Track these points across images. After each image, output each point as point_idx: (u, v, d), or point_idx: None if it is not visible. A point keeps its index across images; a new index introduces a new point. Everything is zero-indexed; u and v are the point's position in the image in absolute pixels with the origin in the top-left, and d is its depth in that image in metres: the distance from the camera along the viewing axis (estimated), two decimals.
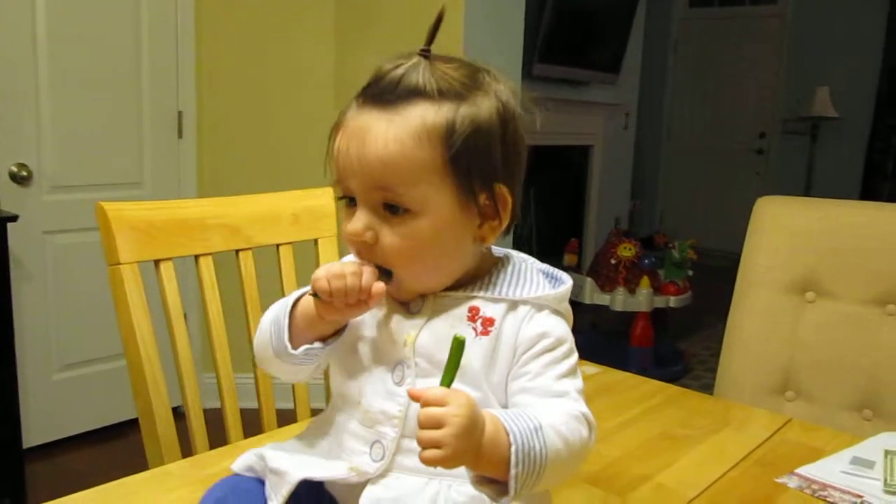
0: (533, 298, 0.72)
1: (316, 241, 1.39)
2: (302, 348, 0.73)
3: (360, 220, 0.69)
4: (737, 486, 0.93)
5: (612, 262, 3.55)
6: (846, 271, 1.47)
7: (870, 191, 5.63)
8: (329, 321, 0.73)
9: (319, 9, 2.88)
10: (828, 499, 0.91)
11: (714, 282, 4.82)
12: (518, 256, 0.78)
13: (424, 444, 0.59)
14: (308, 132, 2.95)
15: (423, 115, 0.67)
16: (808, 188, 5.94)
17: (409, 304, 0.74)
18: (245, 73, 2.86)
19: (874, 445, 1.06)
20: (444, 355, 0.68)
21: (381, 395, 0.73)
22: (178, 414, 1.16)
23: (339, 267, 0.69)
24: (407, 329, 0.73)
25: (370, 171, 0.68)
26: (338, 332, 0.75)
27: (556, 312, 0.73)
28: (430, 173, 0.68)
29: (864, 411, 1.44)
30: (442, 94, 0.68)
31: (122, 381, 2.63)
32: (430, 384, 0.69)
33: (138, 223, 1.14)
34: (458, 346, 0.61)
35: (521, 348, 0.71)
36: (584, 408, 0.69)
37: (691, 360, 3.96)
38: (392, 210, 0.69)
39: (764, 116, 6.43)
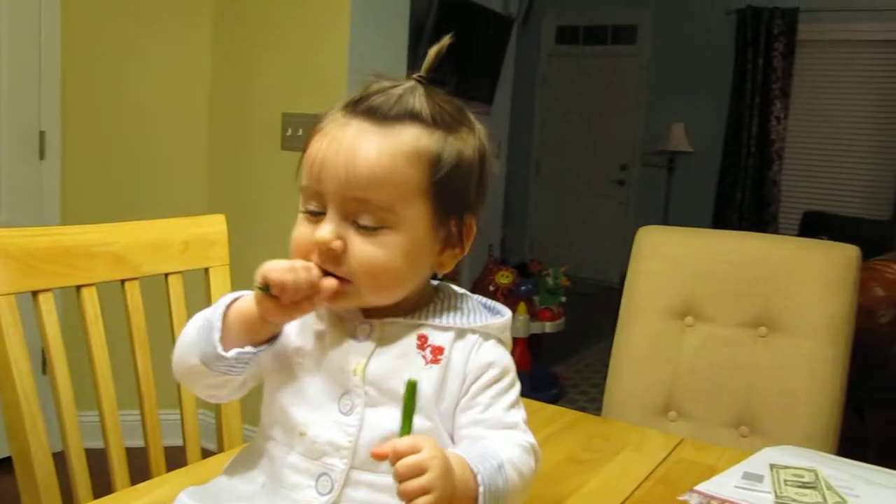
0: (480, 327, 0.73)
1: (206, 270, 1.34)
2: (234, 351, 0.70)
3: (329, 228, 0.68)
4: None
5: (491, 289, 3.61)
6: (721, 296, 1.57)
7: (720, 220, 6.04)
8: (269, 322, 0.70)
9: (195, 27, 2.79)
10: None
11: (582, 308, 5.01)
12: (455, 288, 0.78)
13: (413, 494, 0.59)
14: (182, 155, 2.84)
15: (417, 138, 0.69)
16: (665, 218, 6.29)
17: (356, 331, 0.73)
18: (114, 93, 2.72)
19: (760, 460, 1.12)
20: (394, 384, 0.68)
21: (328, 426, 0.71)
22: (56, 455, 1.07)
23: (287, 262, 0.68)
24: (356, 357, 0.71)
25: (356, 181, 0.67)
26: (271, 340, 0.73)
27: (500, 342, 0.75)
28: (412, 193, 0.69)
29: (741, 428, 1.52)
30: (435, 122, 0.69)
31: None
32: (380, 413, 0.69)
33: (15, 251, 1.06)
34: (411, 390, 0.62)
35: (470, 377, 0.71)
36: (531, 438, 0.72)
37: (565, 383, 4.08)
38: (366, 221, 0.68)
39: (625, 149, 6.78)
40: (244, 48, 2.75)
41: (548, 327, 3.76)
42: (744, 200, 5.98)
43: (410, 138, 0.68)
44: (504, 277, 3.66)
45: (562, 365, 4.46)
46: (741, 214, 5.95)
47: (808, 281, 1.50)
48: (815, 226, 5.15)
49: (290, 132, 2.60)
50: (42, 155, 2.58)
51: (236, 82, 2.77)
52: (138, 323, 1.22)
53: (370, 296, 0.71)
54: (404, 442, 0.60)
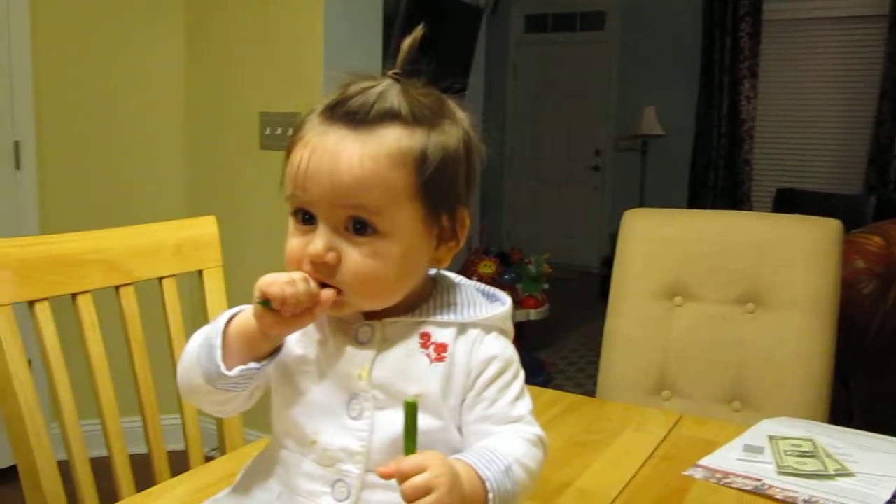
0: (481, 321, 0.73)
1: (200, 272, 1.33)
2: (237, 369, 0.70)
3: (321, 240, 0.67)
4: (651, 482, 0.98)
5: (474, 279, 3.61)
6: (709, 275, 1.59)
7: (696, 200, 6.10)
8: (270, 336, 0.69)
9: (168, 29, 2.77)
10: (732, 485, 0.97)
11: (562, 294, 5.05)
12: (452, 276, 0.78)
13: None
14: (159, 160, 2.82)
15: (399, 139, 0.67)
16: (641, 201, 6.34)
17: (357, 334, 0.72)
18: (88, 99, 2.69)
19: (758, 432, 1.15)
20: (401, 385, 0.68)
21: (339, 432, 0.70)
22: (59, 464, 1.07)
23: (286, 275, 0.67)
24: (360, 361, 0.71)
25: (342, 189, 0.66)
26: (273, 353, 0.72)
27: (503, 333, 0.74)
28: (401, 196, 0.67)
29: (733, 403, 1.55)
30: (416, 119, 0.68)
31: None
32: (390, 416, 0.69)
33: (10, 262, 1.05)
34: (411, 410, 0.61)
35: (475, 372, 0.71)
36: (538, 429, 0.72)
37: (551, 369, 4.11)
38: (359, 230, 0.67)
39: (598, 135, 6.81)
40: (218, 49, 2.73)
41: (532, 315, 3.79)
42: (717, 180, 6.04)
43: (392, 140, 0.67)
44: (486, 267, 3.67)
45: (546, 351, 4.49)
46: (715, 194, 6.01)
47: (794, 256, 1.53)
48: (788, 203, 5.21)
49: (268, 131, 2.59)
50: (18, 165, 2.54)
51: (212, 84, 2.76)
52: (135, 328, 1.22)
53: (366, 304, 0.70)
54: (409, 462, 0.60)
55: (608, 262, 1.67)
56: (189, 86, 2.79)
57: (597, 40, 6.73)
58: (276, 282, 0.66)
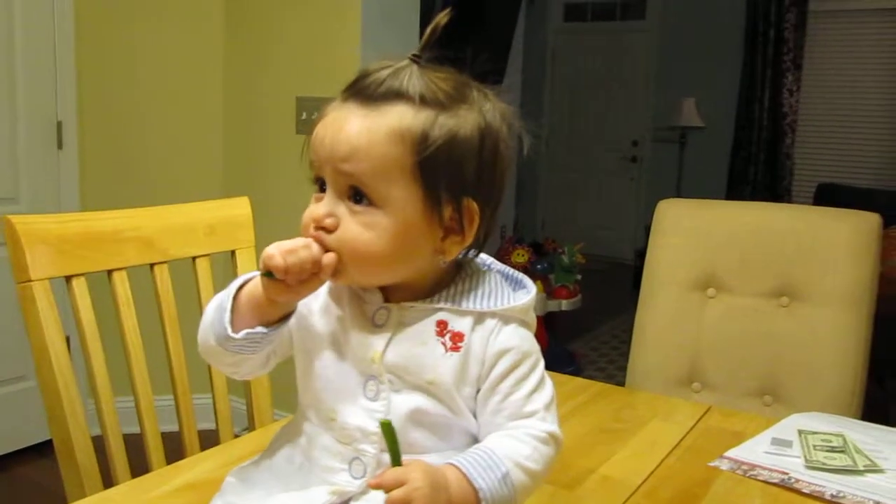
0: (501, 311, 0.71)
1: (233, 252, 1.35)
2: (242, 332, 0.71)
3: (324, 206, 0.69)
4: (676, 472, 0.98)
5: None
6: (743, 267, 1.57)
7: (734, 194, 6.00)
8: (278, 303, 0.70)
9: (207, 13, 2.80)
10: (758, 477, 0.96)
11: (595, 285, 5.02)
12: (479, 262, 0.77)
13: None
14: (197, 142, 2.85)
15: (401, 116, 0.67)
16: (678, 194, 6.26)
17: (374, 316, 0.72)
18: (128, 81, 2.74)
19: (788, 426, 1.13)
20: (416, 371, 0.69)
21: (356, 412, 0.71)
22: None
23: (289, 243, 0.68)
24: (373, 343, 0.71)
25: (339, 155, 0.68)
26: (283, 319, 0.73)
27: (523, 324, 0.73)
28: (397, 172, 0.67)
29: (764, 397, 1.53)
30: (423, 101, 0.67)
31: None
32: (406, 398, 0.70)
33: (49, 237, 1.07)
34: (387, 430, 0.64)
35: (489, 364, 0.71)
36: (550, 426, 0.71)
37: (581, 360, 4.09)
38: (356, 199, 0.68)
39: (636, 126, 6.74)
40: (256, 33, 2.75)
41: (564, 305, 3.77)
42: (757, 174, 5.94)
43: (394, 117, 0.67)
44: (520, 256, 3.66)
45: (577, 342, 4.48)
46: (754, 188, 5.92)
47: (830, 250, 1.50)
48: (830, 198, 5.12)
49: (304, 116, 2.61)
50: (60, 144, 2.60)
51: (249, 68, 2.78)
52: (168, 306, 1.24)
53: (361, 275, 0.70)
54: (389, 475, 0.62)
55: (642, 255, 1.65)
56: (227, 69, 2.82)
57: (637, 29, 6.65)
58: (277, 252, 0.67)
